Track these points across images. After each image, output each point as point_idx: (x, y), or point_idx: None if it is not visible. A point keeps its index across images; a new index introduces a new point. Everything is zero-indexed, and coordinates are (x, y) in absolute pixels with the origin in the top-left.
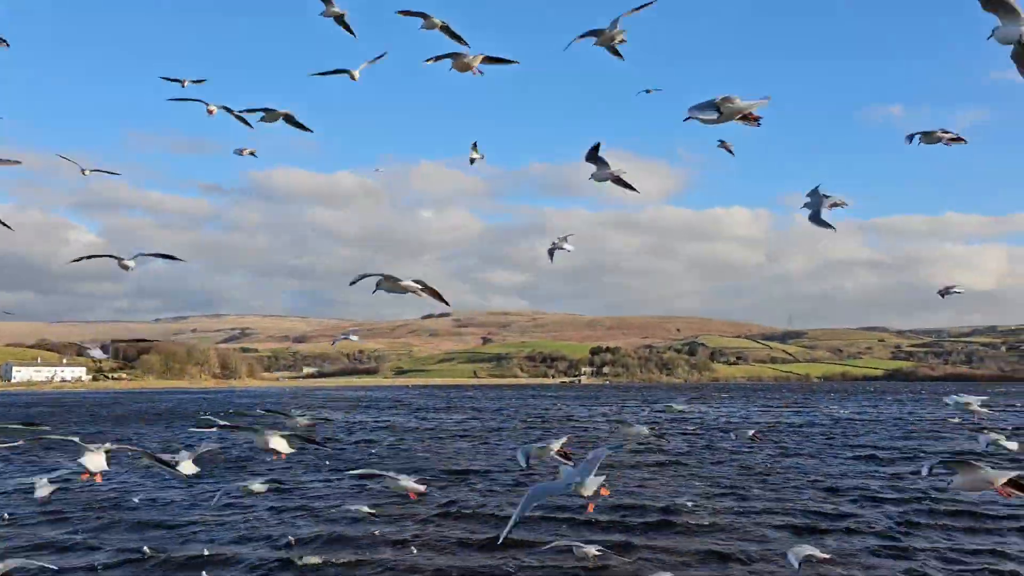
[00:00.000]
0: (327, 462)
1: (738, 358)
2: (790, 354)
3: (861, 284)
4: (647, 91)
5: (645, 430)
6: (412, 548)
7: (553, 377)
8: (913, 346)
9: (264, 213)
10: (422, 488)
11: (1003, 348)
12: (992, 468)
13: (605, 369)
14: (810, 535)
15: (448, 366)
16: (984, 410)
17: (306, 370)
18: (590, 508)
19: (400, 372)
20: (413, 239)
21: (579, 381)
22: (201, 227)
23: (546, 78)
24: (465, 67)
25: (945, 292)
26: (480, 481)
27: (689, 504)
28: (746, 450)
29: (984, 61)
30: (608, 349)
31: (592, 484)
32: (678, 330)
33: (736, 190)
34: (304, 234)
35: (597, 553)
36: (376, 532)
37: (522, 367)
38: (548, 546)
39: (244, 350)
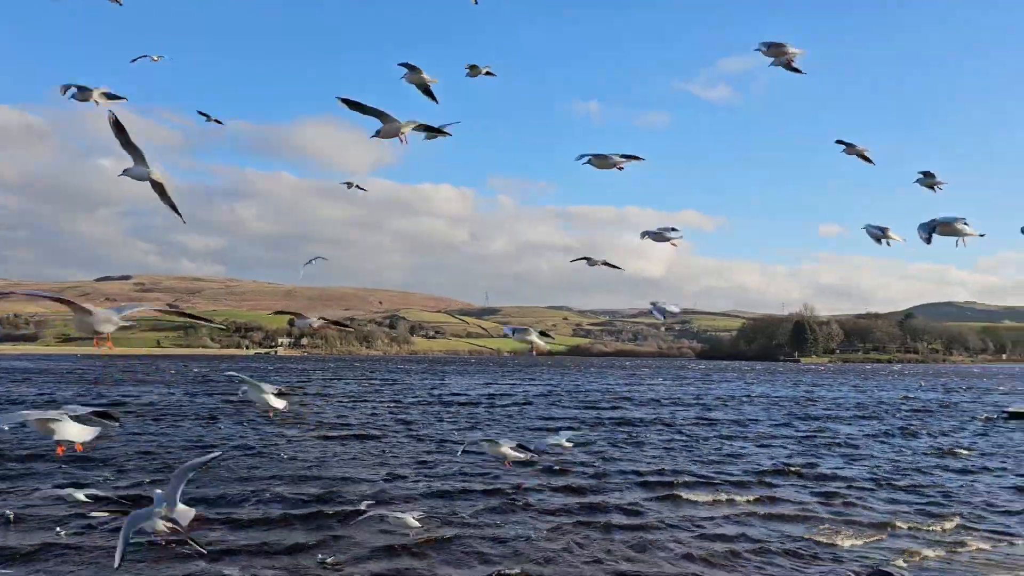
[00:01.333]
0: None
1: (437, 332)
2: (485, 329)
3: (553, 266)
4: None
5: None
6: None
7: (248, 348)
8: (591, 324)
9: None
10: None
11: (663, 329)
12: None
13: (304, 341)
14: (523, 510)
15: (126, 334)
16: (542, 343)
17: None
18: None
19: (66, 339)
20: (88, 190)
21: (276, 352)
22: None
23: (255, 36)
24: None
25: None
26: (165, 467)
27: (388, 486)
28: (441, 422)
29: (668, 71)
30: None
31: (184, 515)
32: (380, 303)
33: (445, 168)
34: None
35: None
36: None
37: (213, 337)
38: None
39: None
